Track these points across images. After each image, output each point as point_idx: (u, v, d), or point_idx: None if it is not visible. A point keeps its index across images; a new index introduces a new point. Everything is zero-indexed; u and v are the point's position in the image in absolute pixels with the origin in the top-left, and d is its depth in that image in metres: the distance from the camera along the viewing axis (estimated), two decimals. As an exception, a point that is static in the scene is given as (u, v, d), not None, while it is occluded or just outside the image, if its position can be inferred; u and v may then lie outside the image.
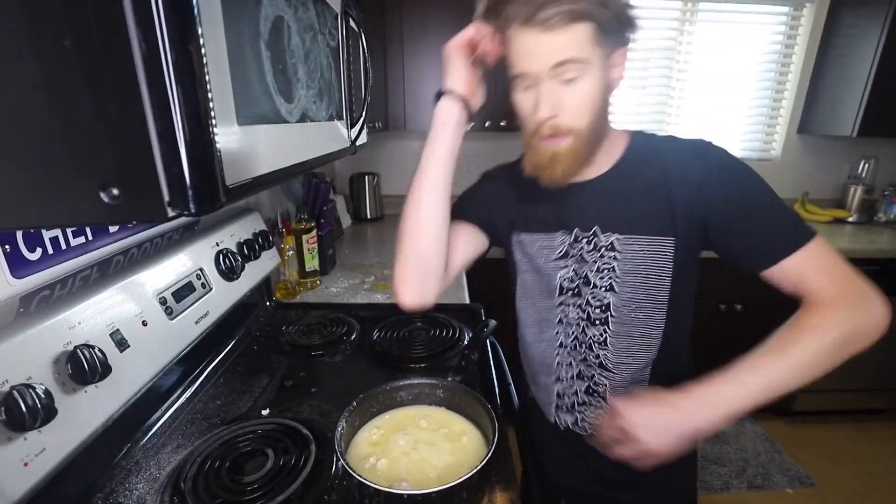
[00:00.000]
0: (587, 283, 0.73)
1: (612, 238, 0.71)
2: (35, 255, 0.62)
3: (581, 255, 0.73)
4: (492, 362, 1.00)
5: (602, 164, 0.71)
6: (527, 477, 0.90)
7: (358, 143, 0.89)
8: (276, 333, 1.11)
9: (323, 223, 1.48)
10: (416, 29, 1.82)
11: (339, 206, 2.05)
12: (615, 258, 0.71)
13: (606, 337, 0.74)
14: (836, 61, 2.17)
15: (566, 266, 0.75)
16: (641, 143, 0.73)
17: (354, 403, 0.73)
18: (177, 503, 0.62)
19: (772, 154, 2.44)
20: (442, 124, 0.73)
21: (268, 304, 1.27)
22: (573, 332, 0.77)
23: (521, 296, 0.82)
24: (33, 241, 0.62)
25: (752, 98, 2.35)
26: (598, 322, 0.74)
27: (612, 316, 0.73)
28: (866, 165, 2.35)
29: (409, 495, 0.58)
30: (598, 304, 0.73)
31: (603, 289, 0.72)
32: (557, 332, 0.78)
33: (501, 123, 1.93)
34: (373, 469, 0.66)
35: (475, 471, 0.59)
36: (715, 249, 0.71)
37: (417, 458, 0.68)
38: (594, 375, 0.76)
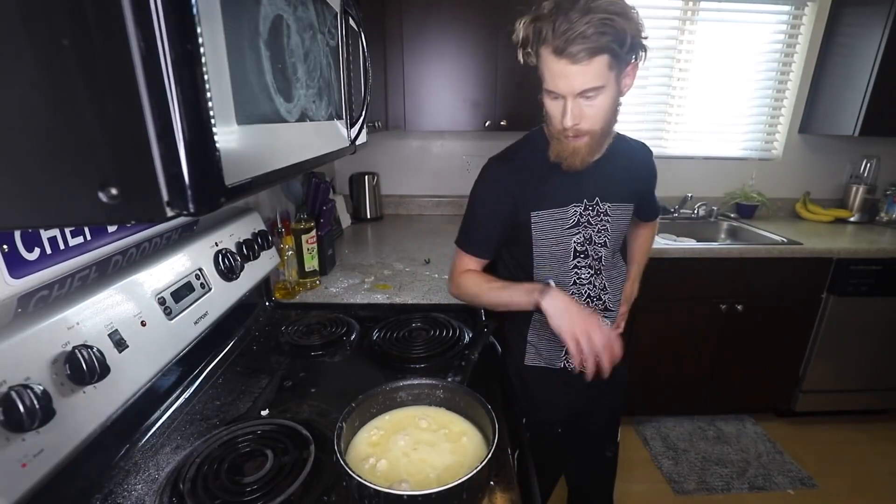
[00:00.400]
0: (590, 242, 0.98)
1: (607, 205, 0.97)
2: (33, 255, 0.62)
3: (588, 220, 0.97)
4: (492, 362, 1.00)
5: (602, 146, 0.94)
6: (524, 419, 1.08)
7: (357, 142, 0.88)
8: (275, 334, 1.11)
9: (322, 223, 1.48)
10: (416, 29, 1.81)
11: (338, 206, 2.05)
12: (608, 221, 0.98)
13: (604, 282, 1.02)
14: (837, 60, 2.17)
15: (578, 232, 0.97)
16: (617, 136, 0.99)
17: (354, 404, 0.72)
18: (176, 504, 0.62)
19: (773, 154, 2.44)
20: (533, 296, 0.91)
21: (267, 304, 1.27)
22: (585, 291, 1.01)
23: (539, 265, 1.00)
24: (31, 241, 0.62)
25: (754, 97, 2.34)
26: (598, 273, 1.01)
27: (603, 266, 1.01)
28: (868, 165, 2.35)
29: (409, 496, 0.57)
30: (597, 257, 0.99)
31: (599, 245, 0.99)
32: (573, 293, 1.00)
33: (502, 123, 1.93)
34: (372, 470, 0.66)
35: (475, 471, 0.59)
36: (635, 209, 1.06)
37: (417, 459, 0.68)
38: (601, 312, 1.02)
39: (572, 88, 0.79)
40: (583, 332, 0.83)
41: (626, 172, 0.99)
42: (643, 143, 1.08)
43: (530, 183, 0.95)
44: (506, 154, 1.01)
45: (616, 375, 0.99)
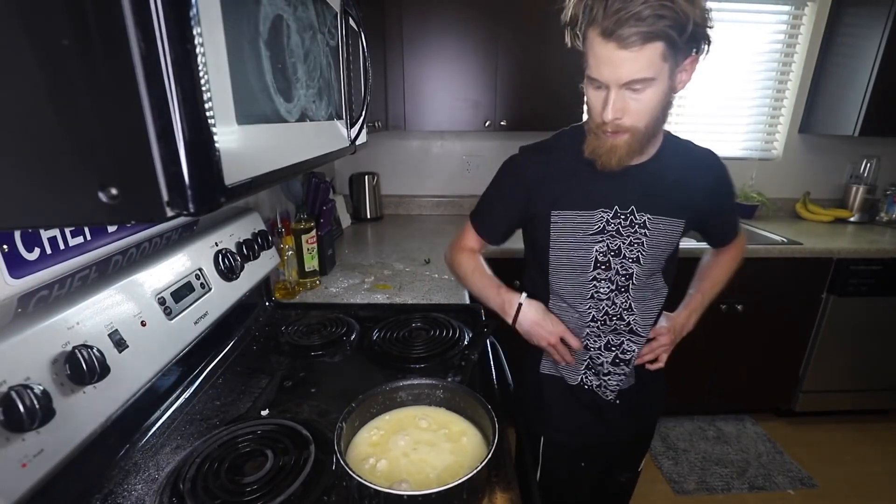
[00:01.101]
0: (618, 254, 0.87)
1: (645, 217, 0.86)
2: (33, 255, 0.62)
3: (617, 230, 0.86)
4: (492, 362, 1.00)
5: (648, 151, 0.84)
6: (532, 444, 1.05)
7: (357, 142, 0.88)
8: (275, 334, 1.11)
9: (322, 223, 1.48)
10: (416, 29, 1.81)
11: (338, 206, 2.05)
12: (645, 234, 0.86)
13: (631, 303, 0.90)
14: (837, 60, 2.17)
15: (602, 241, 0.87)
16: (671, 140, 0.88)
17: (354, 404, 0.72)
18: (176, 504, 0.62)
19: (773, 154, 2.44)
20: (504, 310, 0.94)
21: (267, 304, 1.27)
22: (604, 307, 0.90)
23: (554, 270, 0.92)
24: (31, 241, 0.62)
25: (754, 97, 2.34)
26: (622, 290, 0.89)
27: (633, 284, 0.88)
28: (868, 165, 2.35)
29: (409, 496, 0.57)
30: (625, 273, 0.88)
31: (630, 260, 0.87)
32: (589, 307, 0.91)
33: (502, 123, 1.93)
34: (372, 470, 0.66)
35: (475, 471, 0.59)
36: (697, 230, 0.99)
37: (417, 459, 0.68)
38: (622, 343, 0.92)
39: (618, 77, 0.70)
40: (553, 341, 0.90)
41: (679, 182, 0.86)
42: (711, 152, 0.92)
43: (556, 179, 0.88)
44: (538, 145, 0.94)
45: (648, 404, 1.02)
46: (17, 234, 0.60)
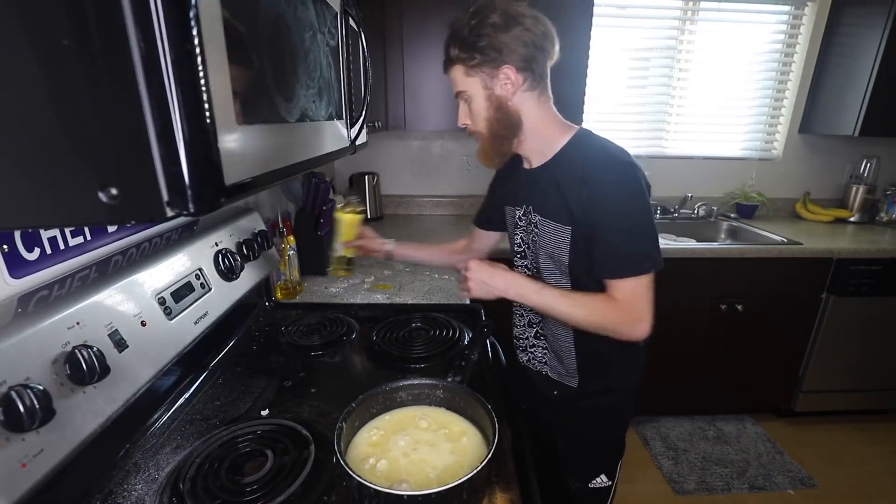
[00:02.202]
0: (529, 247, 0.98)
1: (537, 217, 0.93)
2: (33, 255, 0.62)
3: (526, 226, 0.97)
4: (492, 362, 1.00)
5: (544, 155, 0.91)
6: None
7: (357, 142, 0.88)
8: (275, 334, 1.11)
9: (322, 223, 1.48)
10: (416, 29, 1.81)
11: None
12: (537, 234, 0.94)
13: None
14: (837, 60, 2.17)
15: (517, 234, 1.01)
16: (575, 144, 0.89)
17: (354, 404, 0.72)
18: (176, 504, 0.62)
19: (773, 154, 2.44)
20: None
21: (267, 304, 1.27)
22: None
23: (511, 255, 1.06)
24: (31, 241, 0.62)
25: (754, 97, 2.34)
26: (536, 278, 0.94)
27: (542, 276, 0.97)
28: (868, 165, 2.35)
29: (409, 496, 0.57)
30: (535, 265, 0.98)
31: (536, 254, 0.96)
32: None
33: (502, 123, 1.93)
34: (373, 470, 0.66)
35: (475, 471, 0.59)
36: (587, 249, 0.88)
37: (417, 459, 0.68)
38: (539, 321, 1.02)
39: (455, 90, 0.89)
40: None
41: (561, 189, 0.86)
42: (614, 162, 0.82)
43: (508, 178, 1.03)
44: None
45: (584, 396, 0.99)
46: (17, 234, 0.60)
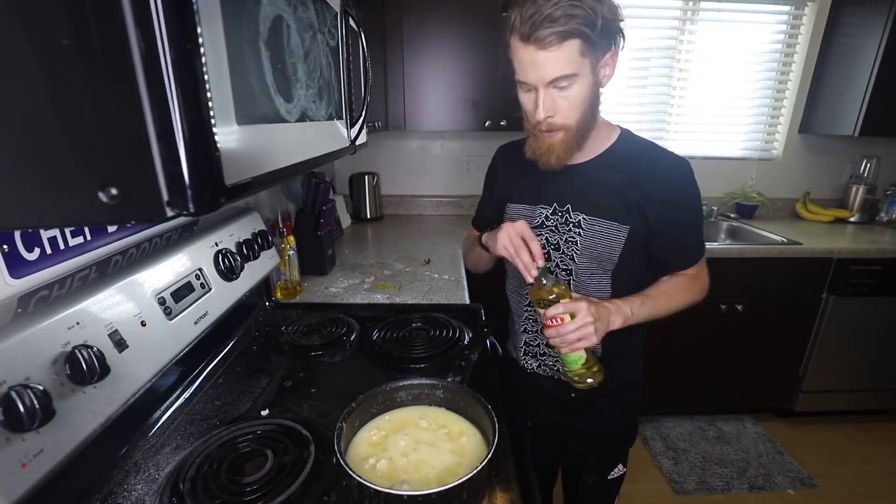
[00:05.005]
0: (557, 249, 0.91)
1: (580, 216, 0.87)
2: (33, 255, 0.62)
3: (556, 226, 0.90)
4: (491, 362, 1.00)
5: (590, 151, 0.86)
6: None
7: (357, 142, 0.88)
8: (275, 334, 1.11)
9: (322, 223, 1.48)
10: (416, 29, 1.81)
11: (338, 206, 2.05)
12: (579, 234, 0.88)
13: None
14: (837, 60, 2.17)
15: (540, 235, 0.91)
16: (627, 142, 0.88)
17: (354, 404, 0.72)
18: (176, 504, 0.62)
19: (773, 154, 2.44)
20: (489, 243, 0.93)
21: (267, 304, 1.27)
22: None
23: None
24: (31, 241, 0.62)
25: (754, 97, 2.34)
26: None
27: (573, 280, 0.91)
28: (868, 165, 2.35)
29: (409, 496, 0.57)
30: (565, 268, 0.91)
31: (568, 257, 0.90)
32: (528, 293, 0.93)
33: (502, 123, 1.93)
34: (373, 470, 0.66)
35: (475, 472, 0.59)
36: (646, 245, 0.88)
37: (417, 459, 0.68)
38: None
39: (543, 77, 0.74)
40: (511, 235, 0.83)
41: (625, 186, 0.84)
42: (681, 163, 0.85)
43: (514, 175, 0.97)
44: (510, 144, 1.03)
45: (600, 394, 0.91)
46: (17, 234, 0.60)
